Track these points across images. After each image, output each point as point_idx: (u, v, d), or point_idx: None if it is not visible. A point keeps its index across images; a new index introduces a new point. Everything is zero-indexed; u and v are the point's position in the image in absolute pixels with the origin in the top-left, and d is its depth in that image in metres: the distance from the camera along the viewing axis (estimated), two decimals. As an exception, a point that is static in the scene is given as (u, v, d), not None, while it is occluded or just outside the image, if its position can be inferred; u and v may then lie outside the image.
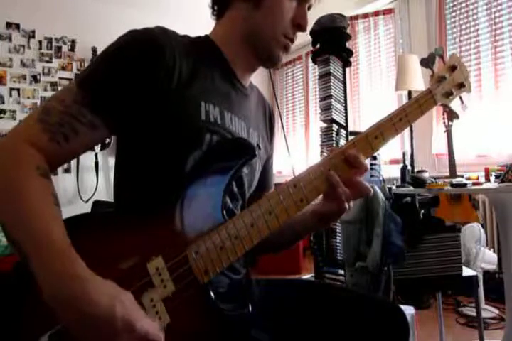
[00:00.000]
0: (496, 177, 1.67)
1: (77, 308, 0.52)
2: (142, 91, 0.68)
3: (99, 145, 3.56)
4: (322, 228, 0.89)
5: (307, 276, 3.09)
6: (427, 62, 0.89)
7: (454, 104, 0.92)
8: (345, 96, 2.57)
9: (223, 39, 0.81)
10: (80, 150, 0.68)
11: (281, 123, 2.50)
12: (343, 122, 2.52)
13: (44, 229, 0.55)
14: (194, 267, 0.64)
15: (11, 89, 3.66)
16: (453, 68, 0.87)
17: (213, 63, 0.79)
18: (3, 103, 3.61)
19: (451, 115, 1.67)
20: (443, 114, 2.05)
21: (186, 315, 0.63)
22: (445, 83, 0.86)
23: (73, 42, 3.94)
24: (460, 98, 0.92)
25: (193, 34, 0.82)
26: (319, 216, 0.81)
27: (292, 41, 0.82)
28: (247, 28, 0.80)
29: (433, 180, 1.86)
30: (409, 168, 2.58)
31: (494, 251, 2.52)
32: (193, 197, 0.67)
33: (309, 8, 0.83)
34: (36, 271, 0.54)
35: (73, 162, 3.70)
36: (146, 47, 0.68)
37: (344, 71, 2.58)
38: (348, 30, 2.60)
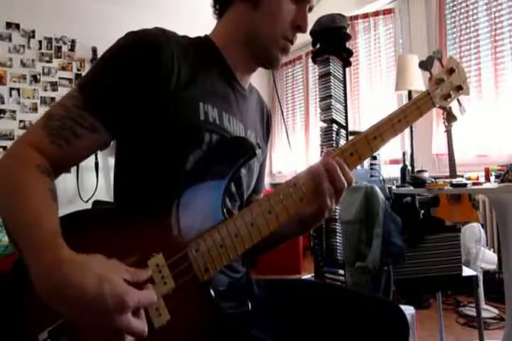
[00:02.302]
0: (496, 177, 1.67)
1: (65, 293, 0.52)
2: (141, 93, 0.68)
3: (99, 146, 3.56)
4: (300, 233, 0.88)
5: (307, 276, 3.10)
6: (425, 65, 0.89)
7: (453, 107, 0.92)
8: (345, 96, 2.57)
9: (223, 39, 0.81)
10: (83, 153, 0.69)
11: (284, 123, 2.51)
12: (343, 122, 2.52)
13: (35, 221, 0.56)
14: (194, 264, 0.64)
15: (11, 89, 3.67)
16: (451, 71, 0.88)
17: (212, 64, 0.79)
18: (3, 103, 3.62)
19: (450, 118, 1.67)
20: (443, 115, 2.05)
21: (186, 312, 0.63)
22: (443, 85, 0.86)
23: (73, 42, 3.95)
24: (458, 101, 0.92)
25: (193, 34, 0.82)
26: (299, 218, 0.78)
27: (292, 43, 0.82)
28: (246, 29, 0.79)
29: (433, 180, 1.86)
30: (409, 168, 2.58)
31: (494, 251, 2.52)
32: (193, 196, 0.67)
33: (310, 9, 0.82)
34: (27, 261, 0.55)
35: (73, 162, 3.70)
36: (145, 49, 0.69)
37: (344, 71, 2.58)
38: (348, 30, 2.60)
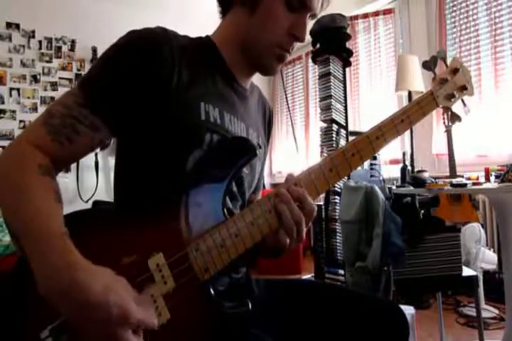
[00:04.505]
0: (496, 177, 1.67)
1: (70, 298, 0.52)
2: (142, 91, 0.68)
3: (99, 145, 3.57)
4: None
5: (307, 276, 3.10)
6: (429, 65, 0.89)
7: (456, 107, 0.92)
8: (345, 96, 2.57)
9: (222, 41, 0.81)
10: (83, 151, 0.69)
11: (292, 124, 2.51)
12: (343, 122, 2.53)
13: (39, 222, 0.56)
14: (194, 264, 0.64)
15: (11, 89, 3.66)
16: (455, 71, 0.88)
17: (213, 64, 0.79)
18: (3, 103, 3.62)
19: (453, 118, 1.66)
20: (443, 115, 2.05)
21: (186, 312, 0.63)
22: (447, 85, 0.86)
23: (73, 42, 3.95)
24: (462, 101, 0.92)
25: (193, 34, 0.82)
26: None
27: (288, 51, 0.79)
28: (242, 34, 0.79)
29: (433, 180, 1.86)
30: (409, 168, 2.59)
31: (494, 251, 2.52)
32: (194, 196, 0.67)
33: (314, 17, 0.81)
34: (32, 263, 0.55)
35: (73, 162, 3.71)
36: (146, 47, 0.69)
37: (344, 71, 2.58)
38: (348, 30, 2.60)
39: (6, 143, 3.53)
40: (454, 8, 3.10)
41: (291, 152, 4.58)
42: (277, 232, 0.69)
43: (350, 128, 2.62)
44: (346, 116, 2.56)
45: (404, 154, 2.63)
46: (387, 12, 3.68)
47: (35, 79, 3.76)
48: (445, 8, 3.15)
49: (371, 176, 2.67)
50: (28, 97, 3.73)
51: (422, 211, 2.44)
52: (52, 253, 0.54)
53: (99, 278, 0.53)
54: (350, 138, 2.51)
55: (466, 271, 1.75)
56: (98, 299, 0.52)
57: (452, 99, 0.87)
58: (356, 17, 3.84)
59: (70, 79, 3.90)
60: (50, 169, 0.63)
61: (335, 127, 2.48)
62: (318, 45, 2.53)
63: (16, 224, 0.58)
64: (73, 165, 3.75)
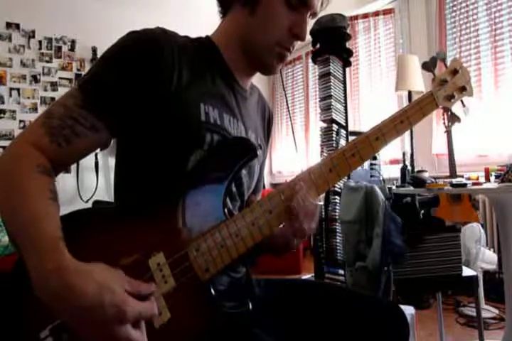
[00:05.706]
0: (496, 177, 1.67)
1: (65, 301, 0.52)
2: (142, 92, 0.68)
3: (99, 145, 3.58)
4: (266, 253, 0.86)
5: (307, 276, 3.10)
6: (428, 66, 0.89)
7: (456, 108, 0.92)
8: (345, 96, 2.57)
9: (223, 41, 0.81)
10: (83, 152, 0.69)
11: (291, 124, 2.51)
12: (343, 122, 2.53)
13: (34, 224, 0.56)
14: (194, 264, 0.64)
15: (11, 89, 3.66)
16: (455, 72, 0.88)
17: (213, 65, 0.79)
18: (3, 103, 3.62)
19: (453, 119, 1.66)
20: (443, 115, 2.05)
21: (187, 312, 0.63)
22: (447, 86, 0.86)
23: (73, 42, 3.95)
24: (462, 102, 0.92)
25: (193, 34, 0.82)
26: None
27: (289, 50, 0.80)
28: (243, 34, 0.79)
29: (433, 180, 1.86)
30: (409, 168, 2.58)
31: (494, 251, 2.52)
32: (194, 196, 0.67)
33: (314, 16, 0.81)
34: (28, 265, 0.55)
35: (73, 162, 3.71)
36: (146, 48, 0.69)
37: (344, 71, 2.58)
38: (348, 30, 2.60)
39: (6, 143, 3.53)
40: (454, 8, 3.10)
41: (291, 152, 4.58)
42: (282, 229, 0.69)
43: (350, 128, 2.62)
44: (346, 116, 2.56)
45: (404, 154, 2.63)
46: (387, 12, 3.68)
47: (35, 79, 3.76)
48: (445, 8, 3.15)
49: (371, 176, 2.67)
50: (28, 97, 3.73)
51: (422, 211, 2.44)
52: (45, 255, 0.54)
53: (92, 279, 0.53)
54: (350, 138, 2.51)
55: (466, 271, 1.75)
56: (92, 301, 0.51)
57: (452, 100, 0.87)
58: (356, 17, 3.84)
59: (70, 79, 3.90)
60: (49, 169, 0.63)
61: (335, 127, 2.49)
62: (318, 45, 2.53)
63: (13, 224, 0.58)
64: (73, 166, 3.75)
